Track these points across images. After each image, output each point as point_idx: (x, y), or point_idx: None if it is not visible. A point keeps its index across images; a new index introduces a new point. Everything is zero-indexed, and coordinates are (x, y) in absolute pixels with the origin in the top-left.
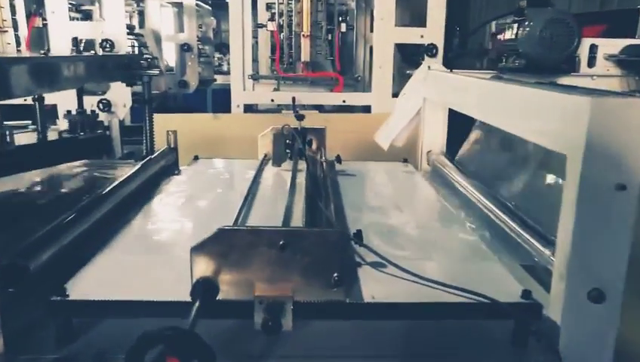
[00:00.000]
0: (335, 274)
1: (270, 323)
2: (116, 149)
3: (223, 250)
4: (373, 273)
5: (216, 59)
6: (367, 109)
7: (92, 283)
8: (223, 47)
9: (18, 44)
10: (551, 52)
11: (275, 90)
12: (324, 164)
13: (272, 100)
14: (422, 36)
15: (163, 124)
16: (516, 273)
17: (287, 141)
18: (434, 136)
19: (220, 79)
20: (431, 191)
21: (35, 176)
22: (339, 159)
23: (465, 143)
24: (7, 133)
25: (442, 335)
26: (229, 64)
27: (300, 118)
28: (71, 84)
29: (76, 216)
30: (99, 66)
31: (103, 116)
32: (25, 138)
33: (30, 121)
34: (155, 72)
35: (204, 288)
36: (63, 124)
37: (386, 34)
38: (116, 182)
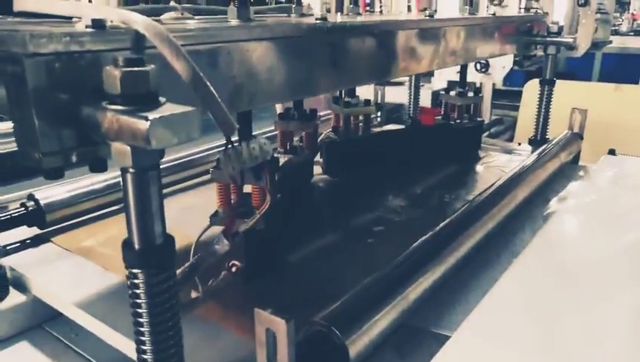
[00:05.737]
0: None
1: None
2: (485, 114)
3: None
4: None
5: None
6: None
7: None
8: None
9: None
10: None
11: None
12: None
13: None
14: None
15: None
16: None
17: None
18: None
19: (615, 41)
20: None
21: None
22: None
23: None
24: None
25: None
26: (629, 23)
27: None
28: (462, 57)
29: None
30: (495, 32)
31: (478, 77)
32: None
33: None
34: (569, 39)
35: None
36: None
37: None
38: (498, 184)
